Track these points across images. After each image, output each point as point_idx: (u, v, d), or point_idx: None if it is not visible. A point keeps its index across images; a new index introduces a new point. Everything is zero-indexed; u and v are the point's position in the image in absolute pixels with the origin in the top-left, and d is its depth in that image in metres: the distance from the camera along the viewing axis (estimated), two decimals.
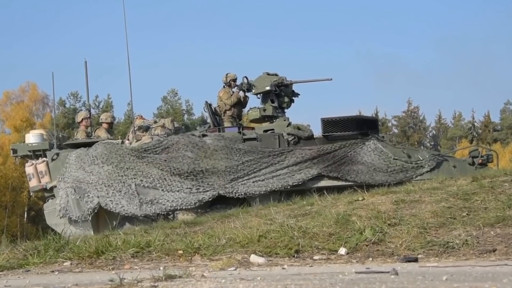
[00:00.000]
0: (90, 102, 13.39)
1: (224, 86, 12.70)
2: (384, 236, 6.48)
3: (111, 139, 11.83)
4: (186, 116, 49.23)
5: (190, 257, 6.37)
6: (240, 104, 12.70)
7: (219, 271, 5.58)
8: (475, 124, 54.94)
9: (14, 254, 6.76)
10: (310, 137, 11.59)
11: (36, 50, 69.52)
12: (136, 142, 11.52)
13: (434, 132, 56.69)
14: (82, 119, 12.45)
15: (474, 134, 53.63)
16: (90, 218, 10.85)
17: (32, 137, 11.88)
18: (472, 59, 76.16)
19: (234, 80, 12.62)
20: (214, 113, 12.61)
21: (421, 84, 73.08)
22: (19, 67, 65.85)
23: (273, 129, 11.82)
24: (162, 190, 10.87)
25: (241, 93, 12.65)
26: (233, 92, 12.63)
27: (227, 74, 12.66)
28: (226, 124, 12.37)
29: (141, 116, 12.85)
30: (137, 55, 58.26)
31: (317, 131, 11.96)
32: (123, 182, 10.93)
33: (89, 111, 12.86)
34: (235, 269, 5.68)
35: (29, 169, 11.57)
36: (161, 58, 74.26)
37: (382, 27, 78.11)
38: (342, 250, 6.31)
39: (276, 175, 11.08)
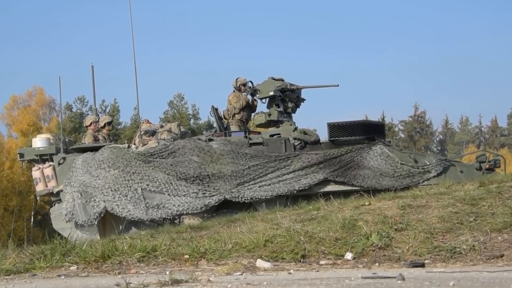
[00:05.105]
0: (96, 106, 13.44)
1: (234, 91, 12.71)
2: (391, 241, 6.46)
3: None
4: (192, 120, 49.19)
5: (196, 262, 6.37)
6: (250, 108, 12.70)
7: (225, 276, 5.58)
8: (482, 129, 54.86)
9: (21, 258, 6.78)
10: (317, 142, 11.57)
11: (43, 54, 69.78)
12: (142, 146, 11.53)
13: (441, 137, 56.54)
14: (91, 123, 12.47)
15: (481, 139, 53.53)
16: (96, 223, 10.86)
17: (39, 142, 11.89)
18: (478, 63, 76.00)
19: (244, 84, 12.61)
20: (220, 118, 12.61)
21: (428, 89, 72.97)
22: (26, 71, 66.07)
23: (279, 134, 11.79)
24: (168, 194, 10.87)
25: (250, 97, 12.65)
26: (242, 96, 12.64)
27: (237, 79, 12.67)
28: (234, 128, 12.36)
29: (148, 121, 12.86)
30: (144, 60, 58.28)
31: (324, 136, 11.95)
32: (130, 187, 10.93)
33: (98, 115, 12.89)
34: (241, 274, 5.68)
35: (35, 173, 11.58)
36: (168, 62, 74.46)
37: (384, 29, 78.04)
38: (349, 255, 6.30)
39: (282, 179, 11.06)
